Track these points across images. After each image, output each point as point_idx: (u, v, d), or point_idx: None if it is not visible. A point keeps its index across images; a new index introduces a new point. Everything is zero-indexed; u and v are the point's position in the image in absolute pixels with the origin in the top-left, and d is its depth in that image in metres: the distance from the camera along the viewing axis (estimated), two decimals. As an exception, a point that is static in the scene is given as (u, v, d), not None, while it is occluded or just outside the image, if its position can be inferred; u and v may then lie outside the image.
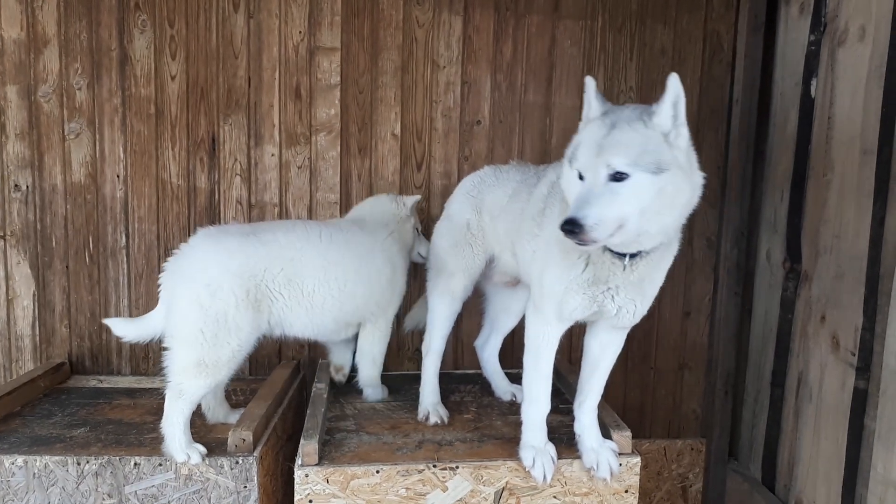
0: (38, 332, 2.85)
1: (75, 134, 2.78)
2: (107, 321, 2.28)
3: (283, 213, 2.86)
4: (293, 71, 2.81)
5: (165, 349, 2.13)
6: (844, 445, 2.30)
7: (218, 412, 2.37)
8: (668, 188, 1.65)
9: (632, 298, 1.94)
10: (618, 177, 1.64)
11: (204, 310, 2.09)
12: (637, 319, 2.02)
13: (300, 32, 2.79)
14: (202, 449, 2.09)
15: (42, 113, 2.75)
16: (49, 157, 2.77)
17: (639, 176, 1.63)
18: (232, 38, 2.78)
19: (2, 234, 2.79)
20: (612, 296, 1.93)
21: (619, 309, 1.95)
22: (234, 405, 2.44)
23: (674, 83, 1.67)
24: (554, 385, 2.50)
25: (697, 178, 1.76)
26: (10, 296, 2.82)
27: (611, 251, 1.82)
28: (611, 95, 2.92)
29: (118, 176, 2.81)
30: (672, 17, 2.92)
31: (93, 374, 2.86)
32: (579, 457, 2.10)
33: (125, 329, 2.26)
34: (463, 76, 2.87)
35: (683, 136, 1.71)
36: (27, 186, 2.78)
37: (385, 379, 2.64)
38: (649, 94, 2.94)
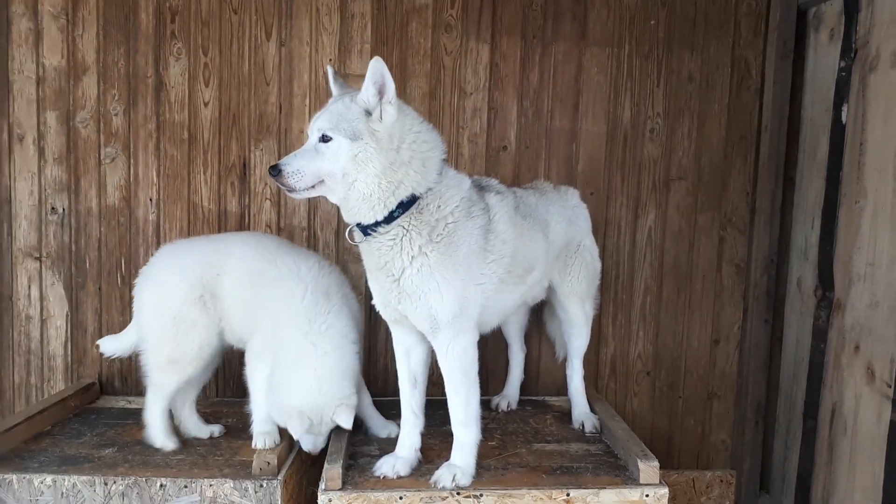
0: (69, 353, 2.91)
1: (111, 158, 2.85)
2: (99, 341, 2.58)
3: (311, 237, 2.89)
4: (323, 98, 2.85)
5: (139, 352, 2.38)
6: (881, 480, 2.23)
7: (188, 424, 2.46)
8: (360, 154, 1.92)
9: (404, 292, 2.01)
10: (324, 139, 1.94)
11: (162, 309, 2.29)
12: (421, 322, 2.04)
13: (330, 60, 2.85)
14: (176, 441, 2.33)
15: (80, 138, 2.83)
16: (85, 180, 2.85)
17: (339, 140, 1.92)
18: (264, 66, 2.84)
19: (38, 256, 2.86)
20: (386, 285, 2.04)
21: (400, 303, 2.04)
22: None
23: (372, 66, 1.91)
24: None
25: (405, 156, 1.96)
26: (44, 316, 2.88)
27: (356, 227, 2.02)
28: (637, 122, 2.93)
29: (151, 199, 2.87)
30: (699, 44, 2.92)
31: (122, 394, 2.89)
32: (605, 487, 2.07)
33: (110, 346, 2.53)
34: (490, 102, 2.90)
35: (389, 113, 1.94)
36: (63, 209, 2.85)
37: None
38: (677, 120, 2.93)
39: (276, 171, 1.93)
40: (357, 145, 1.92)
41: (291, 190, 1.95)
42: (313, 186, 1.96)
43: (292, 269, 2.31)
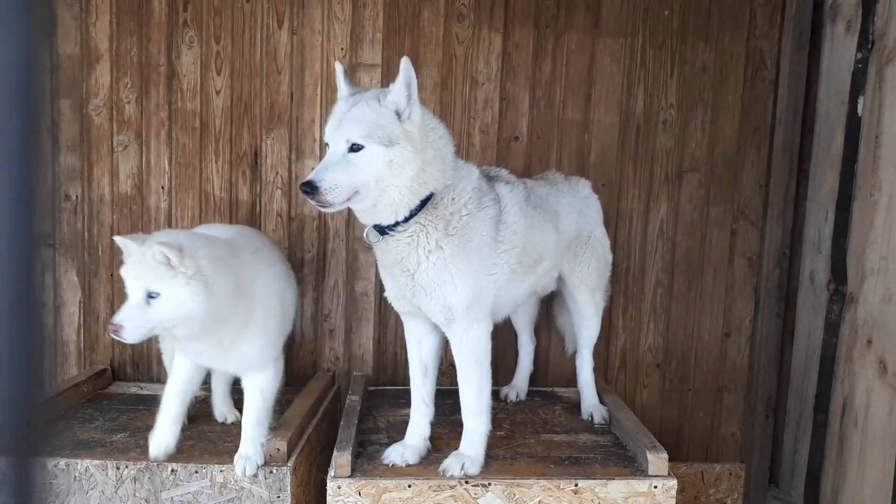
0: (82, 339, 2.93)
1: (123, 146, 2.86)
2: None
3: (322, 226, 2.90)
4: (335, 87, 2.82)
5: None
6: (892, 474, 2.22)
7: (222, 408, 2.49)
8: (396, 160, 1.86)
9: (419, 285, 2.01)
10: (355, 148, 1.84)
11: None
12: (436, 314, 2.04)
13: (342, 49, 2.84)
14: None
15: (93, 126, 2.85)
16: (98, 168, 2.86)
17: (372, 147, 1.84)
18: (275, 55, 2.84)
19: (51, 243, 2.88)
20: (401, 280, 2.03)
21: (415, 296, 2.03)
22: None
23: (404, 65, 1.88)
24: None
25: (429, 155, 1.94)
26: (57, 302, 2.91)
27: (374, 227, 1.98)
28: (650, 113, 2.91)
29: (163, 187, 2.88)
30: (714, 35, 2.89)
31: (134, 380, 2.92)
32: (613, 478, 2.07)
33: None
34: (501, 92, 2.88)
35: (416, 113, 1.90)
36: (77, 196, 2.87)
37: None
38: (690, 112, 2.91)
39: (310, 187, 1.80)
40: (393, 151, 1.85)
41: (327, 206, 1.85)
42: (349, 199, 1.87)
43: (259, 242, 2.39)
